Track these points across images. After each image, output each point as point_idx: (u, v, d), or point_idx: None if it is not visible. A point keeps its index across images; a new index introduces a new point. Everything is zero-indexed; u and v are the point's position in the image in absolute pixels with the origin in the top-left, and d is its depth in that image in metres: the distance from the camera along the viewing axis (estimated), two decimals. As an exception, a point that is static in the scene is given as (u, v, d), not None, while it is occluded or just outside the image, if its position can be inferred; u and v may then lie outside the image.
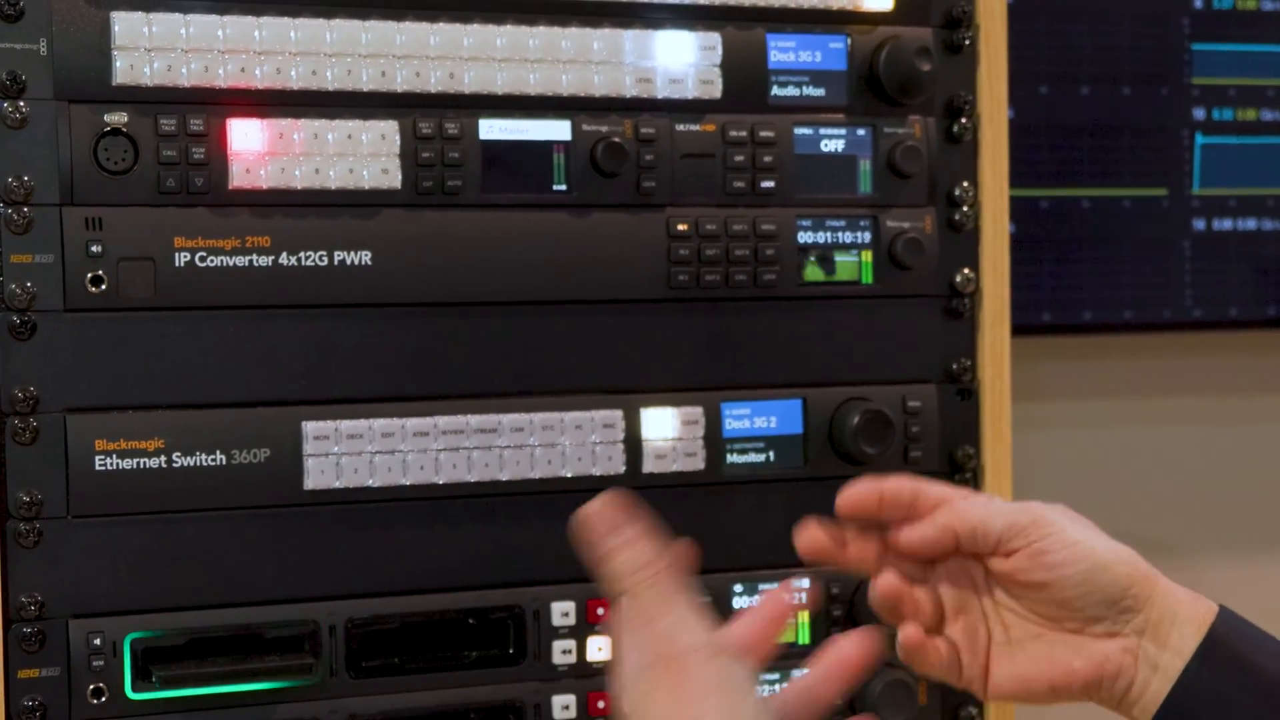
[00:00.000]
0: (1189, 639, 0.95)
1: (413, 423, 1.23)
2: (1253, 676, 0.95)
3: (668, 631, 0.86)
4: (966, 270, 1.37)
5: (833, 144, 1.34)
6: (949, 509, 0.98)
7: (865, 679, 0.94)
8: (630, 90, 1.28)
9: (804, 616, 1.34)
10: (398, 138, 1.22)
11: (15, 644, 1.15)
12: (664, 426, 1.29)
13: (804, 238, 1.33)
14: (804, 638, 1.33)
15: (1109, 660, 0.96)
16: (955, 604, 1.00)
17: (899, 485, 0.98)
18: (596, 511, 0.90)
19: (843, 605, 1.34)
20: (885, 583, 0.98)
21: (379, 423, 1.22)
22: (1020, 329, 1.52)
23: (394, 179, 1.22)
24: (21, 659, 1.15)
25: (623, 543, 0.89)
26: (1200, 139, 1.89)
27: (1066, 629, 0.97)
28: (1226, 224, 1.90)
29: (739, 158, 1.31)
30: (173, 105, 1.17)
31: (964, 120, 1.37)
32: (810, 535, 0.98)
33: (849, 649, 0.94)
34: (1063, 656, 0.97)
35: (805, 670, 0.94)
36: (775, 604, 0.97)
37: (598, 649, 1.28)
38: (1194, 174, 1.88)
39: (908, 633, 0.98)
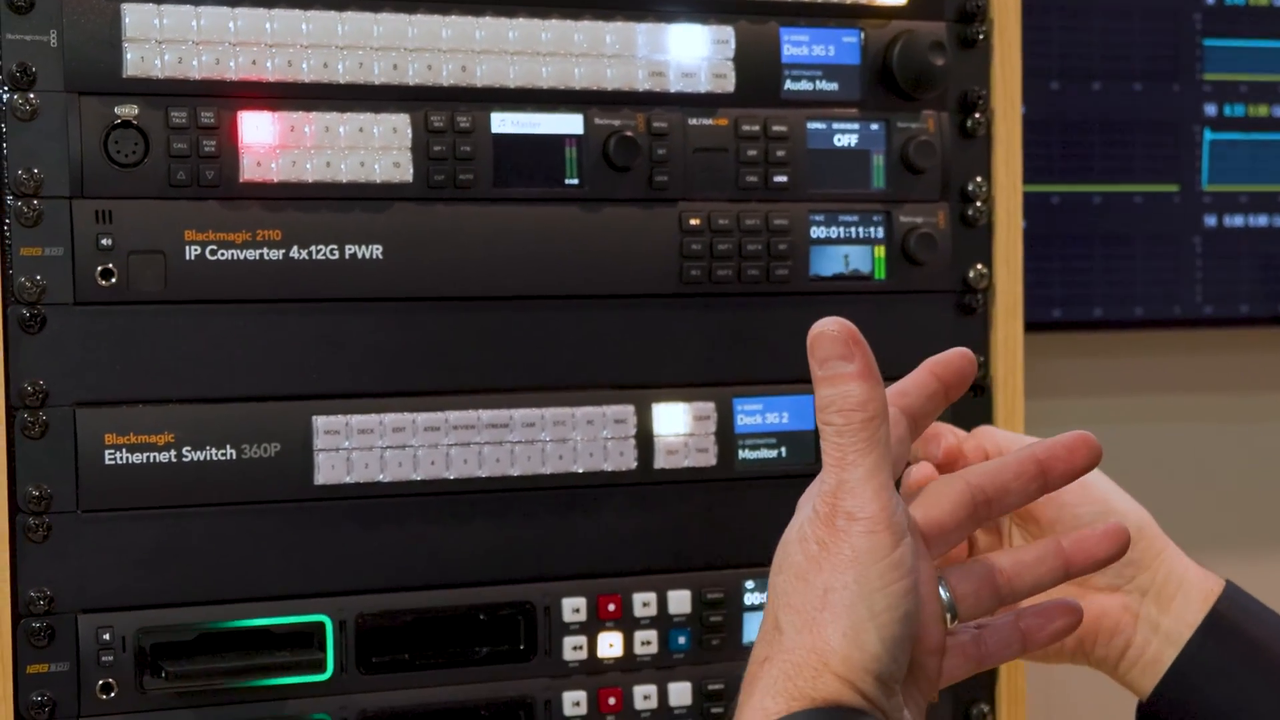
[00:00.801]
0: (1194, 608, 0.95)
1: (424, 417, 1.23)
2: (1258, 652, 0.94)
3: (843, 486, 0.79)
4: (980, 266, 1.37)
5: (846, 139, 1.34)
6: (983, 434, 0.97)
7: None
8: (643, 84, 1.28)
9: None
10: (409, 131, 1.22)
11: (24, 639, 1.15)
12: (676, 422, 1.29)
13: (816, 232, 1.32)
14: None
15: (1106, 615, 0.95)
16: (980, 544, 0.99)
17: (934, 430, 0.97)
18: (829, 331, 0.82)
19: None
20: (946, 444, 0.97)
21: (390, 417, 1.22)
22: (1031, 325, 1.51)
23: (405, 172, 1.22)
24: (30, 654, 1.15)
25: (842, 374, 0.81)
26: (1212, 135, 1.88)
27: (1075, 585, 0.96)
28: (1238, 220, 1.90)
29: (752, 152, 1.31)
30: (183, 98, 1.17)
31: (978, 115, 1.37)
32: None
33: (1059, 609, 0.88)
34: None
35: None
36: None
37: (609, 645, 1.28)
38: (1204, 170, 1.88)
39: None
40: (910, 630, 0.79)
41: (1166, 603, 0.95)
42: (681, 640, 1.30)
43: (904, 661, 0.79)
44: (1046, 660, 0.99)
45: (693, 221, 1.29)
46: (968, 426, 1.34)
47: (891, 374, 1.33)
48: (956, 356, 0.87)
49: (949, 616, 0.83)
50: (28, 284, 1.14)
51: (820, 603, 0.78)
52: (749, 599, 1.31)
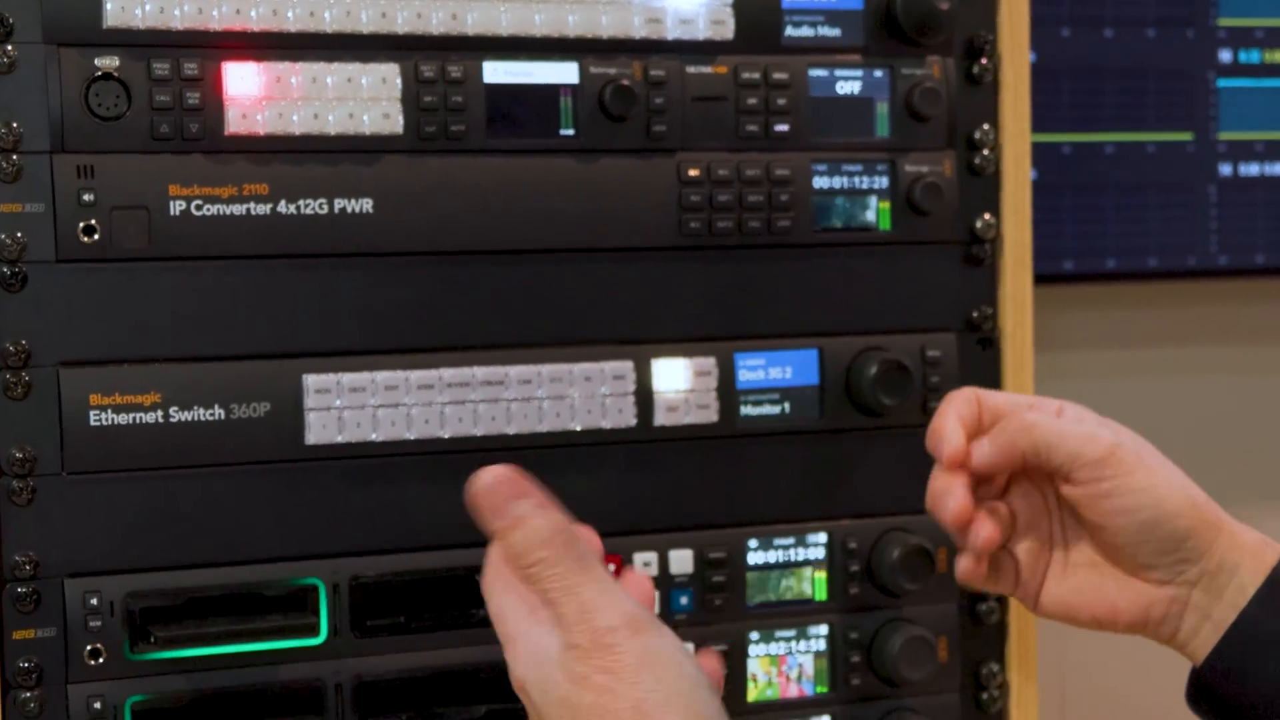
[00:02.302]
0: (1247, 589, 0.94)
1: (417, 375, 1.22)
2: None
3: (584, 608, 0.81)
4: (987, 216, 1.36)
5: (849, 86, 1.32)
6: (1015, 423, 0.96)
7: None
8: (639, 31, 1.26)
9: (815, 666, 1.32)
10: (399, 81, 1.20)
11: (10, 604, 1.14)
12: (676, 378, 1.28)
13: (819, 183, 1.31)
14: (821, 686, 1.32)
15: (1155, 606, 0.95)
16: (1026, 519, 0.99)
17: (966, 404, 0.97)
18: (493, 481, 0.85)
19: (860, 650, 1.33)
20: (955, 507, 0.96)
21: (382, 375, 1.21)
22: (1042, 277, 1.50)
23: (395, 124, 1.21)
24: (16, 619, 1.14)
25: (525, 512, 0.84)
26: (1226, 82, 1.87)
27: (1120, 567, 0.96)
28: (1253, 169, 1.88)
29: (752, 100, 1.29)
30: (166, 49, 1.16)
31: (984, 61, 1.35)
32: (960, 505, 0.96)
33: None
34: (1111, 592, 0.96)
35: None
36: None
37: (609, 607, 1.27)
38: (1219, 117, 1.86)
39: (963, 566, 0.99)
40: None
41: (1219, 591, 0.95)
42: (684, 601, 1.29)
43: None
44: (1098, 630, 0.99)
45: (691, 172, 1.28)
46: (976, 379, 1.34)
47: (899, 327, 1.34)
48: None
49: None
50: (8, 241, 1.13)
51: (639, 717, 0.79)
52: (752, 558, 1.30)
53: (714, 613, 1.29)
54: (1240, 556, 0.95)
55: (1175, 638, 0.96)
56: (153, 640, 1.16)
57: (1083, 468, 0.94)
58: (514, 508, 0.84)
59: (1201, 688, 0.96)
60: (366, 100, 1.20)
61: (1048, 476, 0.98)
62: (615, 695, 0.79)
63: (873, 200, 1.33)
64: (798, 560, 1.31)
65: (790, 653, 1.31)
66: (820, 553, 1.31)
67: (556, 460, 1.25)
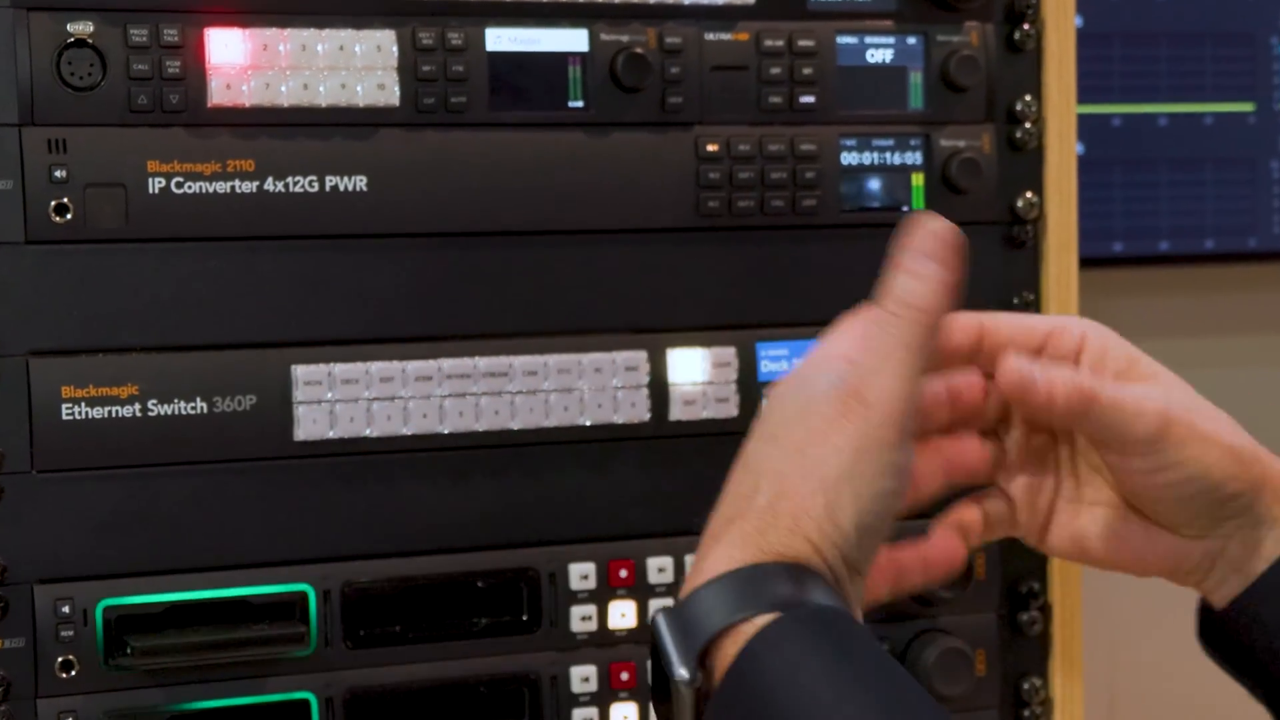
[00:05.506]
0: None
1: (414, 366, 1.22)
2: None
3: (871, 374, 0.84)
4: (1029, 194, 1.36)
5: (880, 54, 1.32)
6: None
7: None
8: (654, -6, 1.26)
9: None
10: (395, 49, 1.21)
11: (-24, 612, 1.14)
12: (693, 369, 1.28)
13: (847, 159, 1.31)
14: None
15: (1187, 559, 0.94)
16: (1026, 454, 0.97)
17: (963, 333, 0.95)
18: (937, 229, 0.87)
19: None
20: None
21: (376, 366, 1.21)
22: (1089, 260, 1.50)
23: (391, 95, 1.21)
24: (-17, 628, 1.15)
25: (918, 271, 0.86)
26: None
27: (1150, 521, 0.95)
28: (1319, 142, 1.89)
29: (775, 70, 1.29)
30: (144, 13, 1.16)
31: (1026, 27, 1.35)
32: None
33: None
34: (1136, 542, 0.95)
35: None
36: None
37: (620, 615, 1.28)
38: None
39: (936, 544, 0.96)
40: (883, 526, 0.84)
41: (1255, 545, 0.94)
42: (701, 609, 1.28)
43: (870, 555, 0.84)
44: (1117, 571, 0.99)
45: (710, 147, 1.28)
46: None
47: (932, 315, 1.34)
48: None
49: None
50: (-26, 221, 1.13)
51: (808, 473, 0.83)
52: (774, 564, 1.30)
53: (734, 622, 1.29)
54: (1278, 516, 0.94)
55: (1202, 584, 0.95)
56: (129, 651, 1.15)
57: (1132, 444, 0.92)
58: (918, 261, 0.86)
59: (1218, 629, 0.95)
60: (360, 69, 1.20)
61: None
62: (817, 444, 0.83)
63: (906, 178, 1.33)
64: (824, 565, 1.31)
65: (816, 665, 1.31)
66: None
67: (564, 457, 1.26)
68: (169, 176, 1.17)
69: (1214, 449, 0.92)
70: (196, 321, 1.19)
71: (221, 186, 1.18)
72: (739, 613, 0.80)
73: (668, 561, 1.28)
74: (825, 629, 0.80)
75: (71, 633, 1.15)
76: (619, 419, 1.27)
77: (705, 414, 1.28)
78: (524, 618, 1.26)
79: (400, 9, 1.21)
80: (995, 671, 1.35)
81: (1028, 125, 1.35)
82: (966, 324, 0.95)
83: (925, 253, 0.86)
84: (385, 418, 1.21)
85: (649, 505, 1.28)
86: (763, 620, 0.79)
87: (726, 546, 0.82)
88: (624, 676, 1.27)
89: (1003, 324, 0.96)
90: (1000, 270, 1.36)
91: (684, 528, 1.28)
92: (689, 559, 1.28)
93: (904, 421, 0.83)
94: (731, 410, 1.29)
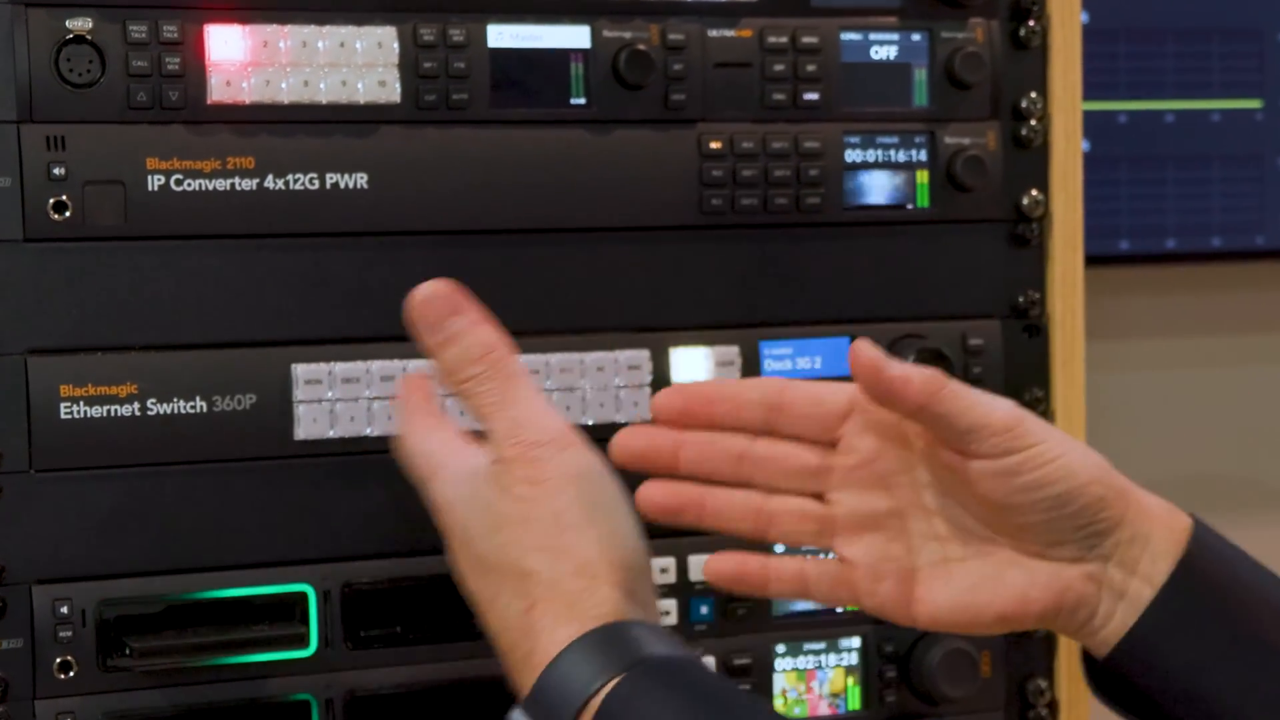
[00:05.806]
0: (1161, 565, 0.93)
1: (415, 365, 1.21)
2: (1221, 601, 0.93)
3: (517, 422, 0.89)
4: (1035, 192, 1.35)
5: (884, 51, 1.32)
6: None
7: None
8: (657, -9, 1.26)
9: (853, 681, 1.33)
10: (396, 46, 1.20)
11: (-27, 613, 1.14)
12: (696, 368, 1.28)
13: (851, 156, 1.31)
14: (854, 703, 1.33)
15: (1070, 589, 0.93)
16: (862, 514, 0.96)
17: (717, 390, 0.99)
18: (430, 295, 0.92)
19: (896, 665, 1.33)
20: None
21: (377, 365, 1.21)
22: (1095, 258, 1.50)
23: (392, 92, 1.21)
24: (-20, 629, 1.15)
25: (461, 328, 0.91)
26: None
27: (1024, 551, 0.94)
28: (1328, 139, 1.89)
29: (779, 67, 1.29)
30: (143, 9, 1.15)
31: (1032, 23, 1.35)
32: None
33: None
34: (1016, 583, 0.93)
35: None
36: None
37: (623, 616, 1.27)
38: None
39: (716, 566, 1.01)
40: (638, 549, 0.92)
41: (1132, 563, 0.93)
42: (704, 610, 1.29)
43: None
44: (998, 633, 1.02)
45: (713, 145, 1.28)
46: (1022, 369, 1.34)
47: (938, 313, 1.34)
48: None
49: None
50: (-28, 219, 1.13)
51: (558, 528, 0.87)
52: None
53: (737, 623, 1.29)
54: (1150, 526, 0.94)
55: (1089, 624, 0.94)
56: (128, 652, 1.15)
57: (990, 438, 0.91)
58: (450, 324, 0.92)
59: (1109, 673, 0.95)
60: (361, 66, 1.20)
61: (920, 456, 0.96)
62: (537, 504, 0.89)
63: (910, 175, 1.33)
64: (828, 566, 1.31)
65: (820, 667, 1.31)
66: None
67: (566, 457, 1.25)
68: (168, 174, 1.17)
69: (1072, 449, 0.93)
70: (196, 320, 1.18)
71: (221, 184, 1.18)
72: (593, 683, 0.86)
73: (670, 562, 1.28)
74: (670, 679, 0.86)
75: (70, 633, 1.15)
76: (621, 417, 1.26)
77: (708, 413, 1.28)
78: (525, 618, 1.26)
79: (401, 5, 1.21)
80: (1000, 673, 1.35)
81: (1033, 122, 1.35)
82: (767, 388, 0.99)
83: (443, 318, 0.93)
84: (386, 417, 1.21)
85: (651, 505, 1.28)
86: (610, 684, 0.85)
87: (549, 631, 0.89)
88: (626, 677, 1.27)
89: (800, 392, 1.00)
90: (1005, 268, 1.35)
91: (686, 528, 1.28)
92: (692, 559, 1.28)
93: (572, 430, 0.92)
94: (734, 409, 1.29)
